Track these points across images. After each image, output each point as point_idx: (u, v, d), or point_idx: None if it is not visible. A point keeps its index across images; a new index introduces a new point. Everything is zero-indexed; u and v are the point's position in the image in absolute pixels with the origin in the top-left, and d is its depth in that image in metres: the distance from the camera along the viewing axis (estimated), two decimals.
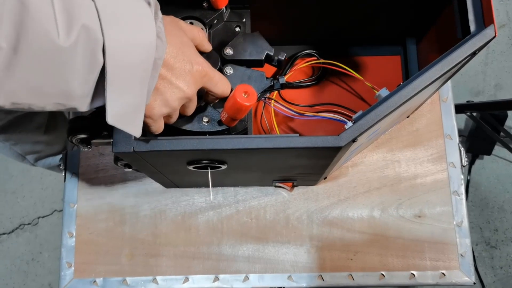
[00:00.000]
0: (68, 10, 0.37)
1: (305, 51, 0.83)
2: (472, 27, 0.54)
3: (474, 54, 0.54)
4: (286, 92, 0.83)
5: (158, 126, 0.50)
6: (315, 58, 0.83)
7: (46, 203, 1.58)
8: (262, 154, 0.53)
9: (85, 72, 0.39)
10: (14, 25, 0.34)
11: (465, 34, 0.56)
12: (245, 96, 0.50)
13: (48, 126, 0.87)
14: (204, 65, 0.49)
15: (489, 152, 1.48)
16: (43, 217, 1.57)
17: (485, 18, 0.54)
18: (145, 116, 0.48)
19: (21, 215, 1.57)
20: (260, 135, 0.50)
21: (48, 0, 0.36)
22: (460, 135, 1.56)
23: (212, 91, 0.53)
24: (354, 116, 0.58)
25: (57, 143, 0.91)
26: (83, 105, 0.41)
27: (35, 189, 1.59)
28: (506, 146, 1.36)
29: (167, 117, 0.51)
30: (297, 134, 0.50)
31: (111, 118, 0.41)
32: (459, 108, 1.32)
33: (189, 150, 0.50)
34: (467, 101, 1.44)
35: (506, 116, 1.43)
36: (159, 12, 0.45)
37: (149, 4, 0.44)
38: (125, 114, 0.42)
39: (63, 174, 0.81)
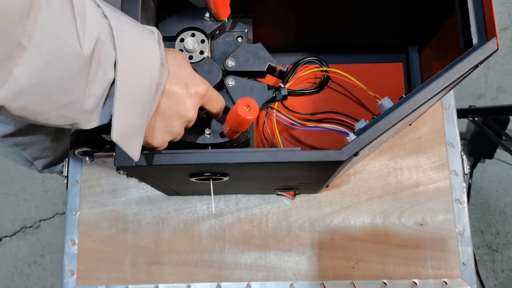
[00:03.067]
0: (85, 21, 0.37)
1: (308, 59, 0.83)
2: (475, 40, 0.54)
3: (476, 66, 0.53)
4: (288, 100, 0.82)
5: (163, 148, 0.51)
6: (318, 65, 0.83)
7: (47, 205, 1.58)
8: (264, 167, 0.53)
9: (96, 85, 0.39)
10: (39, 25, 0.33)
11: (467, 45, 0.56)
12: (247, 109, 0.50)
13: (56, 133, 0.87)
14: (202, 85, 0.49)
15: (491, 156, 1.48)
16: (45, 219, 1.57)
17: (488, 31, 0.54)
18: (150, 146, 0.49)
19: (23, 217, 1.58)
20: (262, 149, 0.50)
21: (70, 9, 0.36)
22: (462, 139, 1.56)
23: (209, 110, 0.53)
24: (356, 125, 0.58)
25: (64, 150, 0.91)
26: (88, 121, 0.42)
27: (37, 192, 1.59)
28: (508, 150, 1.36)
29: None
30: (299, 148, 0.50)
31: (116, 136, 0.41)
32: (461, 113, 1.32)
33: (191, 164, 0.50)
34: (469, 106, 1.43)
35: (508, 120, 1.43)
36: (161, 41, 0.46)
37: (152, 32, 0.45)
38: (128, 135, 0.42)
39: (65, 181, 0.82)
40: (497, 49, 0.53)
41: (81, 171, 0.82)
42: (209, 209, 0.81)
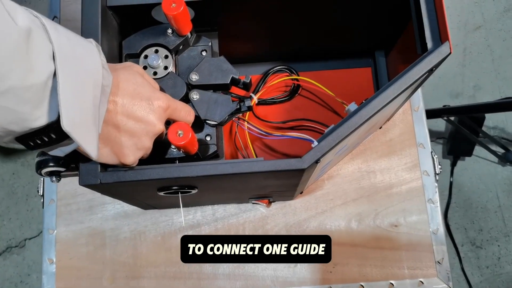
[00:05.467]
0: (16, 13, 0.36)
1: (277, 68, 0.84)
2: (429, 44, 0.56)
3: (431, 70, 0.55)
4: (260, 109, 0.84)
5: (135, 164, 0.51)
6: (288, 74, 0.84)
7: (32, 224, 1.57)
8: (230, 178, 0.54)
9: (36, 73, 0.37)
10: None
11: (424, 50, 0.57)
12: (179, 135, 0.51)
13: None
14: (163, 99, 0.50)
15: (469, 154, 1.50)
16: (30, 238, 1.56)
17: (441, 35, 0.55)
18: (123, 165, 0.49)
19: (8, 237, 1.57)
20: (225, 161, 0.51)
21: None
22: (440, 138, 1.58)
23: (178, 120, 0.54)
24: (326, 131, 0.59)
25: None
26: (34, 116, 0.38)
27: (21, 211, 1.58)
28: (485, 147, 1.38)
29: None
30: (262, 158, 0.51)
31: (67, 124, 0.38)
32: (436, 113, 1.34)
33: (156, 179, 0.50)
34: (444, 106, 1.46)
35: (483, 118, 1.45)
36: (101, 50, 0.46)
37: (90, 41, 0.45)
38: (80, 126, 0.40)
39: (41, 200, 0.82)
40: (450, 53, 0.54)
41: (56, 189, 0.82)
42: (186, 221, 0.81)
